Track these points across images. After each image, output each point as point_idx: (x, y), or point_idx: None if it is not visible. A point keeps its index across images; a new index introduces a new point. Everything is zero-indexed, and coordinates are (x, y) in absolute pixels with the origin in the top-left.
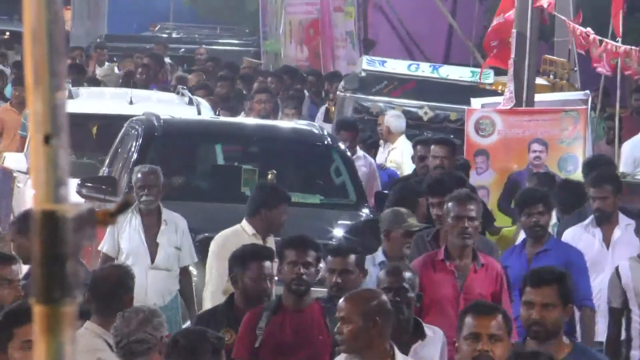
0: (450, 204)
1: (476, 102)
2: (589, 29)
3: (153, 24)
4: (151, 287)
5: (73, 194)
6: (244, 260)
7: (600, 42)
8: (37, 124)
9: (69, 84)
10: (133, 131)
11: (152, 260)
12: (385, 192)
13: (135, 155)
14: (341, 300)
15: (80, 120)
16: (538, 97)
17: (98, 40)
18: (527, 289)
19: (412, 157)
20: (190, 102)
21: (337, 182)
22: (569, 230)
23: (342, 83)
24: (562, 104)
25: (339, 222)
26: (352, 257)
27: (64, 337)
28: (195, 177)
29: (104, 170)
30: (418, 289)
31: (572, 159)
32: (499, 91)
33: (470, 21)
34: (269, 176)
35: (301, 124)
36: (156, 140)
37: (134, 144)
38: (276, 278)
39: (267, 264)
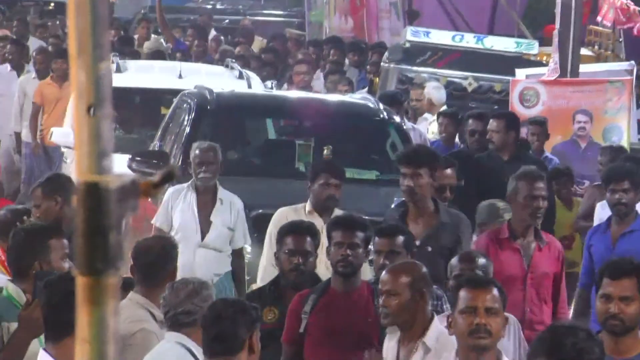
0: (521, 183)
1: (521, 73)
2: (629, 0)
3: None
4: (199, 266)
5: (124, 168)
6: (281, 235)
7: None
8: (81, 95)
9: (116, 57)
10: (185, 105)
11: (202, 238)
12: None
13: (187, 130)
14: (384, 273)
15: (128, 95)
16: (583, 68)
17: (142, 11)
18: (605, 280)
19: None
20: (241, 76)
21: (394, 158)
22: None
23: (387, 54)
24: (607, 75)
25: (395, 198)
26: (400, 238)
27: (107, 309)
28: (249, 152)
29: (155, 145)
30: None
31: (616, 129)
32: (544, 62)
33: None
34: (325, 151)
35: (356, 98)
36: (209, 114)
37: (186, 117)
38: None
39: (301, 239)
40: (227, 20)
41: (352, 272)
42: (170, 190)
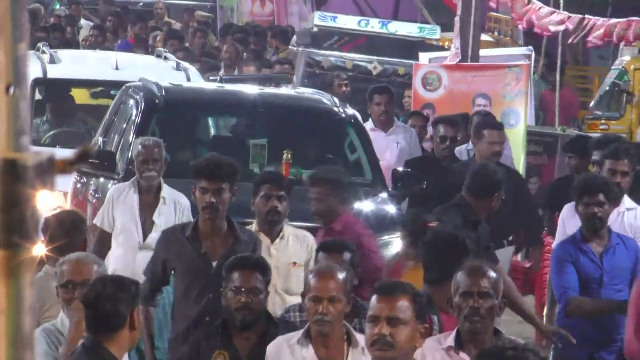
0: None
1: (423, 57)
2: None
3: None
4: (139, 268)
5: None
6: (227, 271)
7: (529, 2)
8: None
9: (46, 46)
10: (131, 100)
11: (144, 240)
12: (402, 169)
13: (135, 127)
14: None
15: (63, 86)
16: (483, 53)
17: None
18: None
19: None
20: (178, 67)
21: (352, 159)
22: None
23: (295, 38)
24: (506, 60)
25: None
26: (347, 254)
27: (24, 280)
28: (200, 151)
29: (97, 140)
30: None
31: (514, 113)
32: (446, 47)
33: None
34: (285, 156)
35: (310, 93)
36: (158, 110)
37: (133, 113)
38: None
39: (249, 275)
40: (140, 4)
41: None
42: (112, 189)
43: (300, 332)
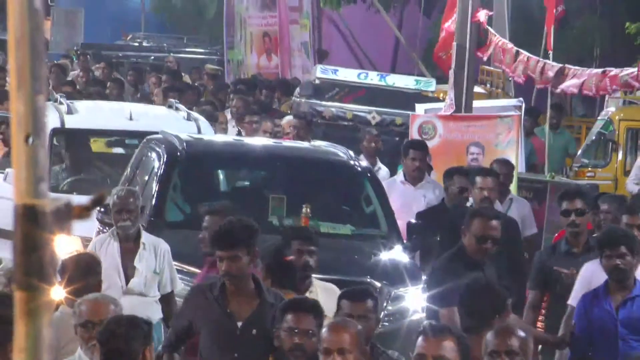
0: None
1: (420, 108)
2: (505, 40)
3: (125, 34)
4: (126, 313)
5: (93, 219)
6: (282, 312)
7: (517, 53)
8: (19, 125)
9: (63, 97)
10: (153, 153)
11: (127, 285)
12: (415, 222)
13: (157, 179)
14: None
15: (80, 136)
16: (476, 104)
17: (75, 48)
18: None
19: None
20: (189, 118)
21: (368, 212)
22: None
23: (298, 89)
24: (498, 111)
25: (371, 254)
26: (369, 302)
27: (42, 321)
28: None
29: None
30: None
31: None
32: (441, 98)
33: (415, 34)
34: (304, 209)
35: (329, 148)
36: (180, 163)
37: (155, 166)
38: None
39: (304, 317)
40: (152, 57)
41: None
42: (94, 240)
43: None
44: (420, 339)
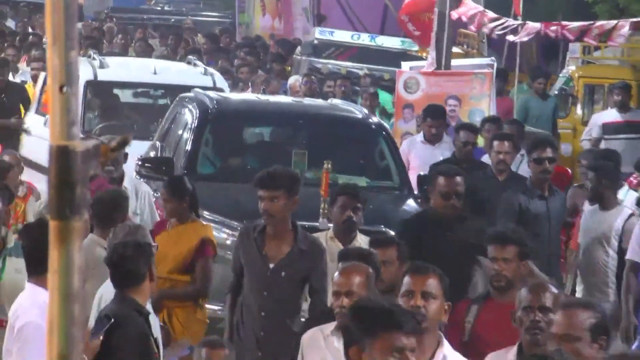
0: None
1: (405, 65)
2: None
3: None
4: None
5: (132, 171)
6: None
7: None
8: (54, 76)
9: (96, 54)
10: (186, 110)
11: None
12: (424, 174)
13: (191, 135)
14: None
15: (111, 87)
16: (454, 62)
17: (105, 11)
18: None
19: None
20: (205, 72)
21: (382, 165)
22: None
23: (299, 48)
24: (473, 68)
25: (385, 205)
26: (393, 248)
27: (73, 246)
28: (248, 158)
29: (156, 144)
30: None
31: (478, 112)
32: (424, 57)
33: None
34: (325, 165)
35: (346, 106)
36: (211, 120)
37: (188, 122)
38: None
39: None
40: (172, 20)
41: (506, 286)
42: None
43: (335, 323)
44: (407, 277)
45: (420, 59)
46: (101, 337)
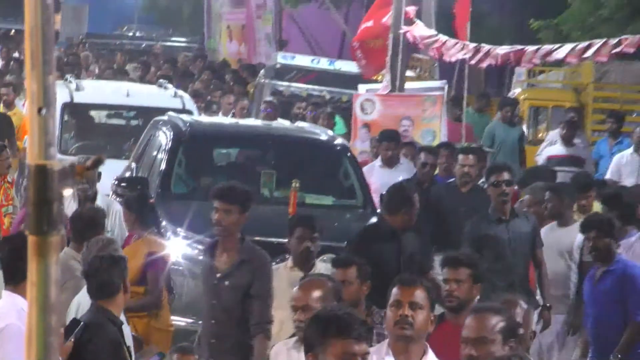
0: None
1: (362, 88)
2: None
3: (121, 26)
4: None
5: (108, 190)
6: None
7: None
8: (33, 99)
9: (73, 77)
10: (160, 132)
11: None
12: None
13: (165, 156)
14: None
15: (87, 109)
16: (407, 85)
17: (80, 37)
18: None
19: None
20: (175, 95)
21: (346, 185)
22: None
23: (262, 72)
24: (425, 91)
25: (349, 222)
26: (353, 268)
27: (51, 260)
28: (219, 178)
29: (131, 166)
30: None
31: (430, 132)
32: (379, 80)
33: (359, 26)
34: (293, 184)
35: (311, 129)
36: (184, 142)
37: (162, 144)
38: None
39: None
40: (144, 45)
41: (457, 306)
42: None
43: (296, 337)
44: (395, 288)
45: (376, 82)
46: (72, 340)
